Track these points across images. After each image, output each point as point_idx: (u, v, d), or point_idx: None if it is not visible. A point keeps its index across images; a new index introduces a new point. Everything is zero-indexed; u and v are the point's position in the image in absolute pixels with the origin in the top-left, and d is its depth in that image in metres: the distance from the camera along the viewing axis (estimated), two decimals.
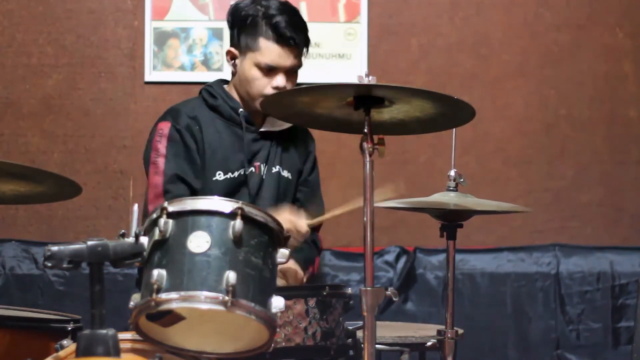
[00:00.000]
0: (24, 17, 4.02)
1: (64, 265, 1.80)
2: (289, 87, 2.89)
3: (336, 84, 2.28)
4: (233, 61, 2.95)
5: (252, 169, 2.94)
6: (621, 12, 4.15)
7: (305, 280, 2.91)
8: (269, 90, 2.86)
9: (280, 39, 2.87)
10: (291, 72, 2.92)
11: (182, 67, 4.03)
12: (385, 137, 2.20)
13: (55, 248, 1.79)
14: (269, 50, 2.87)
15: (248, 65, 2.90)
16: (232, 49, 2.95)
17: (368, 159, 2.18)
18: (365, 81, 2.15)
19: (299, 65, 2.94)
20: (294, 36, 2.88)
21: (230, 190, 2.87)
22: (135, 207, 1.98)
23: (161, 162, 2.86)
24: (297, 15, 2.95)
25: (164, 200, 2.76)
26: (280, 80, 2.87)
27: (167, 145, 2.87)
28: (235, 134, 2.94)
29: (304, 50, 2.95)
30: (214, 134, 2.91)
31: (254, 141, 2.95)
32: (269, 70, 2.88)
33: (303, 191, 3.08)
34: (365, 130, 2.19)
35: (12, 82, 4.02)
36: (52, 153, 4.02)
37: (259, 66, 2.88)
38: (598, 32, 4.15)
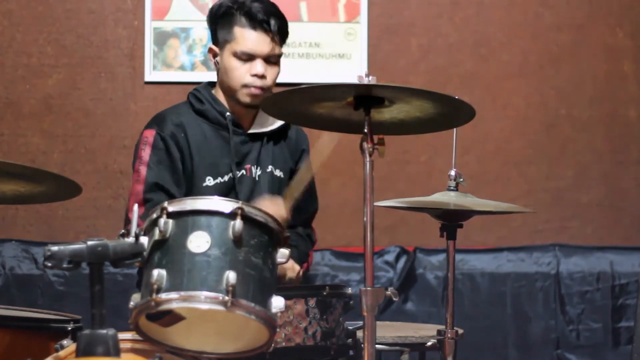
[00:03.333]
0: (24, 17, 4.02)
1: (64, 265, 1.80)
2: (269, 76, 2.89)
3: (336, 84, 2.28)
4: (215, 59, 2.96)
5: (243, 171, 2.93)
6: (621, 12, 4.15)
7: (301, 273, 2.92)
8: (249, 79, 2.86)
9: (254, 25, 2.87)
10: (271, 62, 2.91)
11: (182, 67, 4.03)
12: (385, 137, 2.20)
13: (55, 248, 1.79)
14: (244, 37, 2.87)
15: (227, 57, 2.90)
16: (213, 46, 2.97)
17: (368, 159, 2.17)
18: (365, 81, 2.15)
19: (278, 53, 2.93)
20: (267, 20, 2.88)
21: (221, 194, 2.86)
22: (136, 207, 1.98)
23: (143, 170, 2.86)
24: (272, 4, 2.96)
25: (144, 208, 2.77)
26: (259, 67, 2.87)
27: (150, 153, 2.87)
28: (223, 137, 2.93)
29: (281, 38, 2.94)
30: (201, 140, 2.91)
31: (243, 143, 2.94)
32: (247, 59, 2.87)
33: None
34: (365, 130, 2.19)
35: (12, 82, 4.02)
36: (52, 153, 4.02)
37: (236, 55, 2.88)
38: (598, 32, 4.15)
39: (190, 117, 2.94)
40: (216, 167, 2.90)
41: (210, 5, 3.99)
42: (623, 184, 4.14)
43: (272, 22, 2.89)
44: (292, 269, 2.86)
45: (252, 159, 2.95)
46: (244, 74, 2.88)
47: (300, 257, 2.96)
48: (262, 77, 2.87)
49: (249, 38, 2.87)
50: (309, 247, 3.08)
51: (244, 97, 2.89)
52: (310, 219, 3.14)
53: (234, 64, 2.89)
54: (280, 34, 2.93)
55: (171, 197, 2.82)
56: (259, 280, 1.95)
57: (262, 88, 2.87)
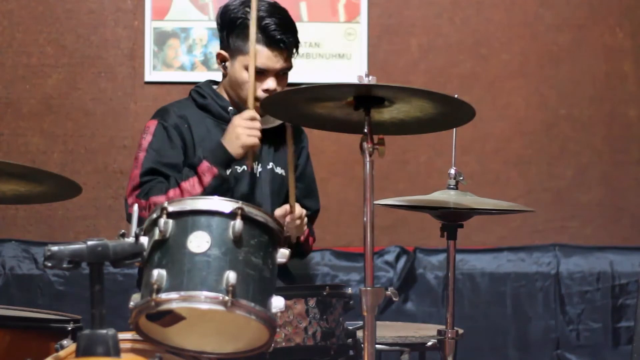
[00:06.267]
0: (24, 17, 4.02)
1: (64, 265, 1.80)
2: (279, 89, 2.89)
3: (336, 84, 2.28)
4: (223, 64, 2.96)
5: (244, 167, 2.94)
6: (621, 12, 4.15)
7: (305, 219, 2.92)
8: (260, 93, 2.86)
9: (270, 42, 2.86)
10: (281, 75, 2.92)
11: (182, 67, 4.03)
12: (385, 137, 2.20)
13: (55, 248, 1.79)
14: (259, 54, 2.85)
15: (238, 69, 2.90)
16: (222, 52, 2.95)
17: (368, 159, 2.18)
18: (365, 81, 2.15)
19: (289, 67, 2.94)
20: (284, 38, 2.88)
21: (222, 188, 2.87)
22: (136, 207, 1.99)
23: (141, 156, 2.88)
24: (287, 17, 2.95)
25: (140, 191, 2.79)
26: (270, 83, 2.87)
27: (150, 141, 2.89)
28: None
29: (294, 51, 2.95)
30: (204, 133, 2.92)
31: None
32: (259, 73, 2.87)
33: (299, 187, 3.08)
34: (365, 130, 2.19)
35: (12, 82, 4.02)
36: (52, 153, 4.02)
37: (248, 69, 2.88)
38: (598, 32, 4.15)
39: (193, 111, 2.96)
40: None
41: (210, 6, 4.02)
42: (623, 184, 4.13)
43: (287, 40, 2.89)
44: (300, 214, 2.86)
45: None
46: (255, 88, 2.87)
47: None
48: (273, 91, 2.87)
49: (264, 55, 2.86)
50: (312, 233, 3.10)
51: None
52: (312, 219, 3.15)
53: (245, 77, 2.88)
54: (294, 48, 2.93)
55: (167, 178, 2.83)
56: (259, 280, 1.95)
57: None
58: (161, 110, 2.98)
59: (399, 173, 4.06)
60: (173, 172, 2.85)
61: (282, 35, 2.87)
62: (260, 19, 2.85)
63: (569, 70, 4.14)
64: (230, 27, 2.92)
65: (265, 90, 2.87)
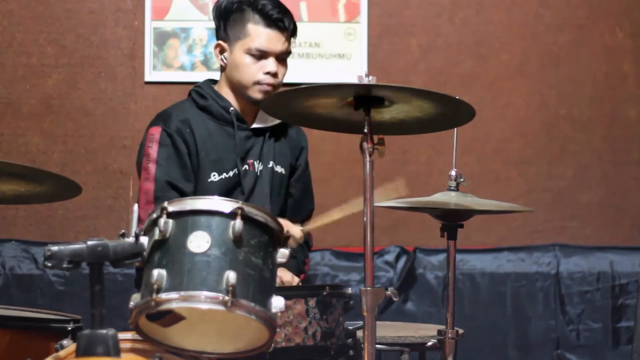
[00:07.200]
0: (24, 17, 4.02)
1: (64, 265, 1.80)
2: (280, 74, 2.91)
3: (336, 84, 2.28)
4: (222, 55, 2.96)
5: (246, 166, 2.94)
6: (621, 12, 4.15)
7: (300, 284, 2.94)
8: (261, 76, 2.88)
9: (269, 22, 2.89)
10: (281, 59, 2.93)
11: (182, 67, 4.03)
12: (385, 137, 2.20)
13: (55, 248, 1.79)
14: (258, 35, 2.88)
15: (238, 54, 2.91)
16: (221, 42, 2.96)
17: (368, 159, 2.18)
18: (365, 81, 2.15)
19: (289, 51, 2.95)
20: (282, 18, 2.90)
21: (226, 190, 2.87)
22: (136, 207, 1.99)
23: (152, 168, 2.86)
24: (280, 2, 2.97)
25: (155, 206, 2.78)
26: (271, 65, 2.88)
27: (158, 150, 2.87)
28: (227, 133, 2.94)
29: (293, 35, 2.96)
30: (206, 135, 2.91)
31: (246, 139, 2.96)
32: (260, 57, 2.89)
33: (297, 187, 3.08)
34: (365, 130, 2.19)
35: (12, 82, 4.02)
36: (52, 153, 4.02)
37: (249, 52, 2.89)
38: (598, 32, 4.15)
39: (194, 113, 2.95)
40: (221, 163, 2.91)
41: (210, 6, 4.02)
42: (623, 184, 4.13)
43: (286, 21, 2.91)
44: (291, 282, 2.86)
45: (255, 154, 2.96)
46: (256, 71, 2.89)
47: (299, 267, 2.97)
48: (275, 74, 2.88)
49: (263, 36, 2.88)
50: (306, 254, 3.09)
51: (255, 93, 2.90)
52: (307, 218, 3.14)
53: (246, 61, 2.89)
54: (293, 32, 2.94)
55: (182, 194, 2.83)
56: (259, 280, 1.95)
57: (273, 85, 2.88)
58: (163, 114, 2.97)
59: (399, 173, 4.05)
60: (185, 183, 2.85)
61: (280, 15, 2.90)
62: (255, 2, 2.88)
63: (569, 70, 4.14)
64: (227, 16, 2.93)
65: (267, 73, 2.88)
